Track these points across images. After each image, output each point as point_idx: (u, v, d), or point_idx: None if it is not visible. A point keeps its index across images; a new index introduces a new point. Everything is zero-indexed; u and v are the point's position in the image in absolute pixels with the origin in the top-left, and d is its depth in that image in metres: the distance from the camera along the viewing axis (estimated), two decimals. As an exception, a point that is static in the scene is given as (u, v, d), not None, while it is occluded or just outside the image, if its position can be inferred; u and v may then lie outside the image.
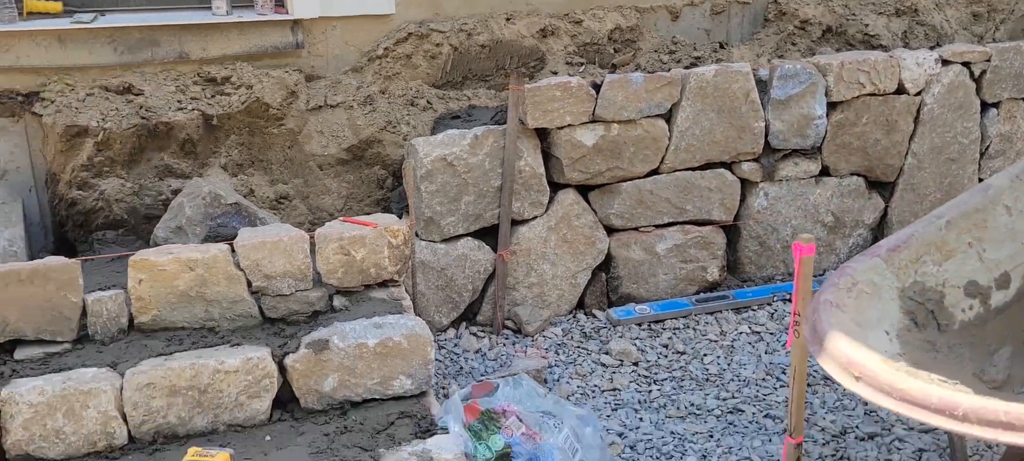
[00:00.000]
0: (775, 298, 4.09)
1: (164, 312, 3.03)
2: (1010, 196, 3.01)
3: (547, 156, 3.86)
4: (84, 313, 2.98)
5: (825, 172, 4.26)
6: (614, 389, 3.55)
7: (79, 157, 3.62)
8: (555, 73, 4.16)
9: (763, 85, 4.07)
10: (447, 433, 2.85)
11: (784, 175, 4.14)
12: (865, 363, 2.24)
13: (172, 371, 2.81)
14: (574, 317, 3.99)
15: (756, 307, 4.06)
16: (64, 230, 3.73)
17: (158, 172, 3.72)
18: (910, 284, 2.70)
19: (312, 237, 3.18)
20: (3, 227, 3.43)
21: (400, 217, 3.81)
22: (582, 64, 4.26)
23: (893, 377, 2.18)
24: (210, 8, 3.84)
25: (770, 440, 3.22)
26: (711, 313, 4.01)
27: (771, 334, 3.85)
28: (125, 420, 2.79)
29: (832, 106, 4.16)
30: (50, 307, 2.92)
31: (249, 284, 3.10)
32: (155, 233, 3.54)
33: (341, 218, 3.37)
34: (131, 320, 3.03)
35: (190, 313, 3.06)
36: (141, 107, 3.65)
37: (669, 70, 4.07)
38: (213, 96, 3.77)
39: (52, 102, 3.59)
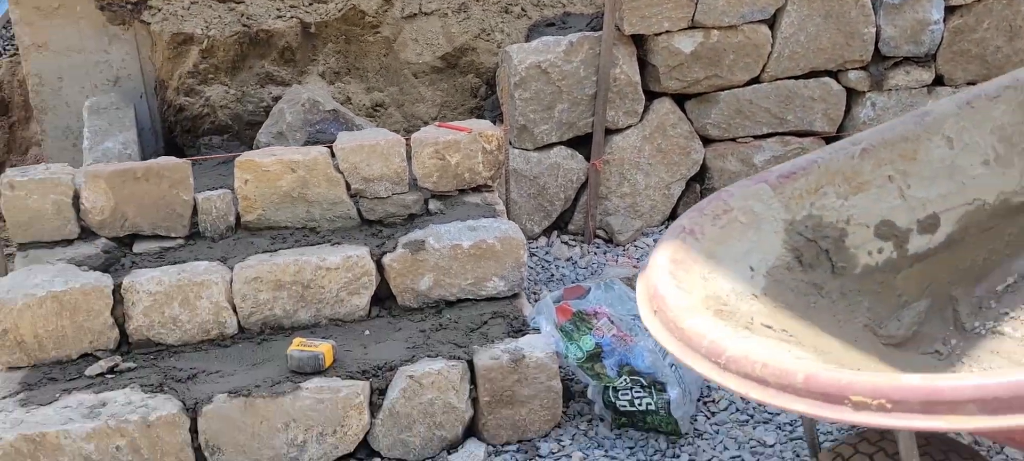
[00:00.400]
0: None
1: (268, 211, 3.15)
2: (954, 126, 2.51)
3: (643, 64, 3.77)
4: (194, 211, 3.12)
5: (938, 81, 4.03)
6: (707, 300, 3.52)
7: (185, 64, 3.74)
8: (653, -21, 4.02)
9: (874, -12, 3.86)
10: (539, 333, 2.89)
11: (894, 84, 3.94)
12: (665, 295, 1.87)
13: (277, 266, 2.93)
14: (666, 228, 3.94)
15: (858, 221, 3.92)
16: (173, 135, 3.89)
17: (259, 79, 3.82)
18: (803, 217, 2.30)
19: (408, 141, 3.22)
20: (118, 131, 3.60)
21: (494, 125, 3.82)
22: (681, -31, 4.11)
23: (680, 313, 1.80)
24: (307, -85, 3.85)
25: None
26: (809, 227, 3.89)
27: (873, 249, 3.72)
28: (235, 311, 2.93)
29: (950, 10, 3.91)
30: (164, 204, 3.07)
31: (348, 186, 3.18)
32: (257, 138, 3.66)
33: (436, 123, 3.40)
34: (238, 218, 3.16)
35: (292, 213, 3.16)
36: (242, 15, 3.73)
37: (772, -28, 3.89)
38: (311, 3, 3.81)
39: (159, 10, 3.70)
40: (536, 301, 3.38)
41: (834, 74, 3.95)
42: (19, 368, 2.80)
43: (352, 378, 2.71)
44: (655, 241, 3.85)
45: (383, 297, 3.08)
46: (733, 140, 3.92)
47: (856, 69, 3.93)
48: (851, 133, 4.00)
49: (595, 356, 2.85)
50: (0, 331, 2.75)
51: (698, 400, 2.97)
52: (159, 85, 3.84)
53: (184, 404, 2.59)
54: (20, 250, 3.02)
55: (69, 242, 3.05)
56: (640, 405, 2.81)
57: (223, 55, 3.73)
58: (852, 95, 3.98)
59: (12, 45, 4.44)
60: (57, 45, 3.73)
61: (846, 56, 3.88)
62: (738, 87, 3.84)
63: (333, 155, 3.18)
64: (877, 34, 3.87)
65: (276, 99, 3.78)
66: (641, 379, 2.81)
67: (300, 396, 2.64)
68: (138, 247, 3.09)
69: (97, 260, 2.99)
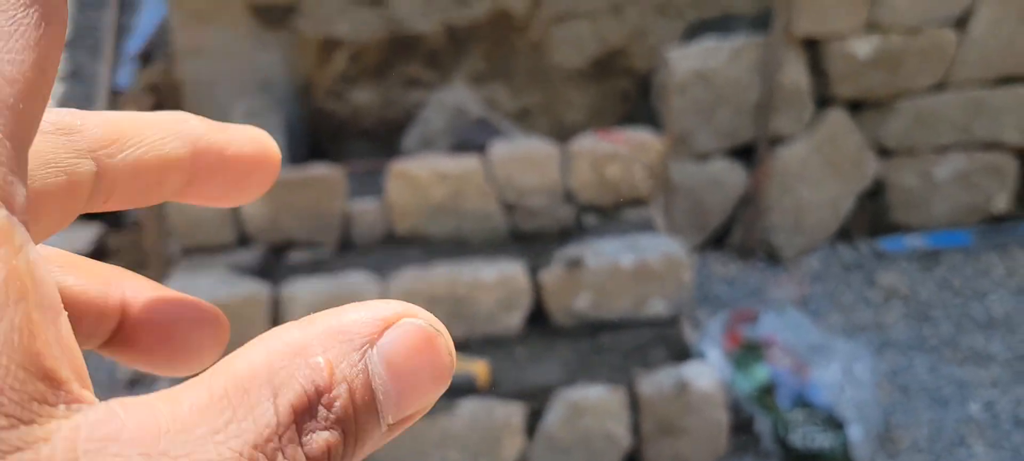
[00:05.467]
0: (1078, 236, 3.54)
1: (420, 222, 3.06)
2: None
3: (813, 69, 3.50)
4: (346, 220, 3.07)
5: None
6: (880, 326, 3.23)
7: (333, 68, 3.73)
8: (820, -24, 3.74)
9: (1080, -15, 3.45)
10: (703, 359, 2.70)
11: (1101, 92, 3.52)
12: None
13: (431, 280, 2.84)
14: (833, 246, 3.66)
15: (1053, 245, 3.54)
16: (318, 139, 3.88)
17: (404, 83, 3.76)
18: None
19: (563, 152, 3.08)
20: (268, 135, 3.61)
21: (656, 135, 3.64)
22: (851, -35, 3.80)
23: None
24: (456, -85, 3.76)
25: (1075, 396, 2.80)
26: (996, 248, 3.53)
27: (1072, 276, 3.34)
28: (387, 325, 2.86)
29: None
30: (318, 213, 3.04)
31: (500, 197, 3.07)
32: (403, 143, 3.59)
33: (594, 132, 3.24)
34: (389, 228, 3.09)
35: (443, 224, 3.07)
36: (389, 19, 3.68)
37: (959, -31, 3.55)
38: (458, 6, 3.73)
39: (308, 15, 3.69)
40: (695, 322, 3.18)
41: (1029, 81, 3.57)
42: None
43: (507, 399, 2.60)
44: (821, 260, 3.58)
45: (536, 315, 2.95)
46: (911, 152, 3.59)
47: (1056, 75, 3.53)
48: (1047, 146, 3.61)
49: (767, 388, 2.63)
50: (163, 338, 2.77)
51: (878, 437, 2.72)
52: (306, 89, 3.84)
53: (341, 422, 2.53)
54: (184, 255, 3.05)
55: (229, 248, 3.06)
56: (815, 443, 2.58)
57: (370, 59, 3.69)
58: (1050, 104, 3.59)
59: (168, 49, 4.56)
60: (211, 50, 3.77)
61: (1044, 61, 3.49)
62: (919, 95, 3.51)
63: (485, 165, 3.07)
64: (1083, 36, 3.47)
65: (421, 104, 3.71)
66: (817, 414, 2.59)
67: (454, 416, 2.55)
68: (292, 255, 3.07)
69: (255, 267, 2.98)
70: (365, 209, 3.07)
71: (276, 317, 2.81)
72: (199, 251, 3.04)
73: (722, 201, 3.59)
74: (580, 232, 3.09)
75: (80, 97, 4.51)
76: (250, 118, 3.67)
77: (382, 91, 3.74)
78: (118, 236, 3.93)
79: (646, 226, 3.07)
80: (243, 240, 3.06)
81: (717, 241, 3.68)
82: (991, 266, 3.48)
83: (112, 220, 4.03)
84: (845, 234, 3.70)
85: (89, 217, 3.98)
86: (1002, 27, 3.43)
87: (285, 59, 3.85)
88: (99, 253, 3.79)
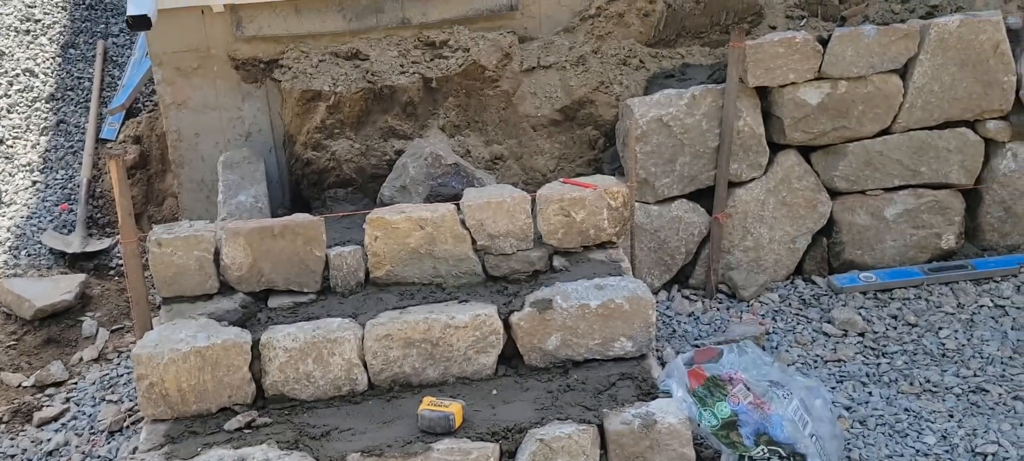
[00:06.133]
0: (1022, 269, 3.72)
1: (396, 267, 3.20)
2: None
3: (767, 115, 3.69)
4: (326, 266, 3.19)
5: (1086, 131, 3.80)
6: (838, 360, 3.39)
7: (313, 120, 3.86)
8: (774, 27, 3.96)
9: (1014, 35, 3.68)
10: (670, 396, 2.83)
11: (1037, 134, 3.74)
12: None
13: (407, 324, 2.97)
14: (792, 283, 3.83)
15: (999, 279, 3.72)
16: (299, 188, 4.01)
17: (382, 133, 3.91)
18: None
19: (533, 198, 3.23)
20: (249, 185, 3.74)
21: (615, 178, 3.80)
22: (803, 17, 4.03)
23: None
24: (430, -27, 3.94)
25: (1022, 424, 2.96)
26: (946, 283, 3.71)
27: (1017, 309, 3.52)
28: (366, 367, 2.98)
29: (1098, 57, 3.69)
30: (298, 260, 3.16)
31: (474, 242, 3.21)
32: (381, 192, 3.73)
33: (561, 179, 3.40)
34: (367, 274, 3.22)
35: (420, 269, 3.20)
36: (367, 72, 3.83)
37: (902, 20, 3.77)
38: (432, 59, 3.89)
39: (289, 68, 3.84)
40: (659, 360, 3.32)
41: (971, 124, 3.78)
42: (163, 421, 2.90)
43: (482, 440, 2.71)
44: (781, 297, 3.75)
45: (509, 356, 3.08)
46: (862, 192, 3.78)
47: (995, 119, 3.75)
48: (990, 185, 3.81)
49: (731, 424, 2.77)
50: (148, 385, 2.86)
51: (837, 470, 2.85)
52: (287, 140, 3.98)
53: (321, 463, 2.63)
54: (164, 304, 3.15)
55: (209, 297, 3.16)
56: (777, 476, 2.71)
57: (349, 111, 3.83)
58: (991, 145, 3.80)
59: (151, 101, 4.68)
60: (195, 103, 3.91)
61: (984, 106, 3.71)
62: (867, 138, 3.71)
63: (459, 211, 3.21)
64: (1018, 83, 3.69)
65: (398, 152, 3.86)
66: (780, 449, 2.73)
67: (431, 457, 2.65)
68: (272, 302, 3.18)
69: (235, 315, 3.09)
70: (344, 256, 3.20)
71: (256, 363, 2.92)
72: (180, 300, 3.14)
73: (685, 241, 3.75)
74: (550, 274, 3.24)
75: (65, 148, 4.62)
76: (232, 168, 3.80)
77: (361, 141, 3.88)
78: (101, 284, 4.03)
79: (613, 268, 3.22)
80: (224, 288, 3.17)
81: (682, 280, 3.84)
82: (943, 300, 3.66)
83: (96, 269, 4.13)
84: (802, 271, 3.87)
85: (73, 266, 4.08)
86: (942, 74, 3.65)
87: (267, 111, 3.99)
88: (82, 301, 3.88)
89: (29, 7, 5.21)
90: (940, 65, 3.64)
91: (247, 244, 3.13)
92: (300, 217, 3.23)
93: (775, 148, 3.73)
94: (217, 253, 3.15)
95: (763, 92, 3.67)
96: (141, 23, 3.53)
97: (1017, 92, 3.71)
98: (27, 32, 5.07)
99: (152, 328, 3.08)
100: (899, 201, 3.80)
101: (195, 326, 2.99)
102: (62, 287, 3.85)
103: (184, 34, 3.82)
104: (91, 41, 5.17)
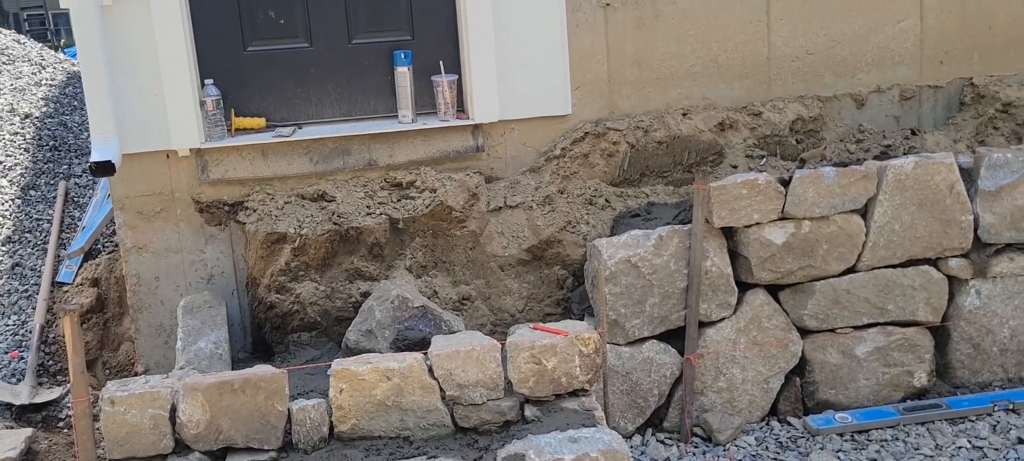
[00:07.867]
0: (996, 408, 3.71)
1: (362, 421, 3.08)
2: None
3: (734, 255, 3.72)
4: (288, 421, 3.07)
5: (1045, 266, 3.88)
6: (817, 506, 3.30)
7: (277, 262, 3.80)
8: (735, 167, 4.03)
9: (967, 175, 3.79)
10: (648, 556, 2.72)
11: (998, 271, 3.80)
12: None
13: (373, 483, 2.84)
14: (767, 424, 3.77)
15: (974, 418, 3.69)
16: (262, 331, 3.90)
17: (348, 275, 3.85)
18: None
19: (503, 345, 3.17)
20: (210, 330, 3.63)
21: (581, 318, 3.76)
22: (763, 156, 4.12)
23: None
24: (396, 117, 3.98)
25: None
26: (922, 423, 3.67)
27: (995, 450, 3.48)
28: (329, 532, 2.82)
29: (1050, 195, 3.80)
30: (259, 416, 3.03)
31: (442, 393, 3.12)
32: (346, 336, 3.64)
33: (532, 326, 3.35)
34: (331, 428, 3.10)
35: (386, 422, 3.09)
36: (333, 213, 3.80)
37: (858, 161, 3.87)
38: (399, 200, 3.88)
39: (254, 211, 3.80)
40: (637, 512, 3.20)
41: (934, 262, 3.83)
42: None
43: None
44: (757, 439, 3.67)
45: (480, 513, 2.95)
46: (832, 331, 3.78)
47: (956, 257, 3.81)
48: (956, 323, 3.84)
49: None
50: (94, 557, 2.68)
51: None
52: (251, 282, 3.90)
53: None
54: (117, 466, 2.99)
55: (163, 457, 3.01)
56: None
57: (314, 252, 3.78)
58: (954, 283, 3.85)
59: (111, 242, 4.59)
60: (157, 246, 3.83)
61: (944, 244, 3.77)
62: (834, 277, 3.74)
63: (427, 359, 3.13)
64: (975, 222, 3.77)
65: (364, 295, 3.79)
66: None
67: None
68: None
69: (192, 476, 2.93)
70: (307, 410, 3.08)
71: (215, 530, 2.76)
72: (134, 461, 2.98)
73: (658, 383, 3.70)
74: (522, 425, 3.14)
75: (19, 292, 4.48)
76: (192, 314, 3.70)
77: (326, 283, 3.82)
78: (48, 438, 3.83)
79: (587, 417, 3.14)
80: (179, 447, 3.02)
81: (656, 423, 3.76)
82: (921, 441, 3.60)
83: (45, 420, 3.93)
84: (777, 412, 3.82)
85: (20, 418, 3.89)
86: (902, 213, 3.73)
87: (230, 253, 3.92)
88: (28, 457, 3.68)
89: (-10, 147, 5.15)
90: (899, 205, 3.72)
91: (206, 400, 3.01)
92: (261, 370, 3.12)
93: (743, 287, 3.74)
94: (173, 410, 3.02)
95: (729, 232, 3.70)
96: (104, 169, 3.49)
97: (975, 230, 3.79)
98: (-13, 172, 5.00)
99: (101, 492, 2.90)
100: (869, 339, 3.80)
101: (148, 490, 2.84)
102: (6, 444, 3.64)
103: (148, 178, 3.78)
104: (53, 182, 5.10)
